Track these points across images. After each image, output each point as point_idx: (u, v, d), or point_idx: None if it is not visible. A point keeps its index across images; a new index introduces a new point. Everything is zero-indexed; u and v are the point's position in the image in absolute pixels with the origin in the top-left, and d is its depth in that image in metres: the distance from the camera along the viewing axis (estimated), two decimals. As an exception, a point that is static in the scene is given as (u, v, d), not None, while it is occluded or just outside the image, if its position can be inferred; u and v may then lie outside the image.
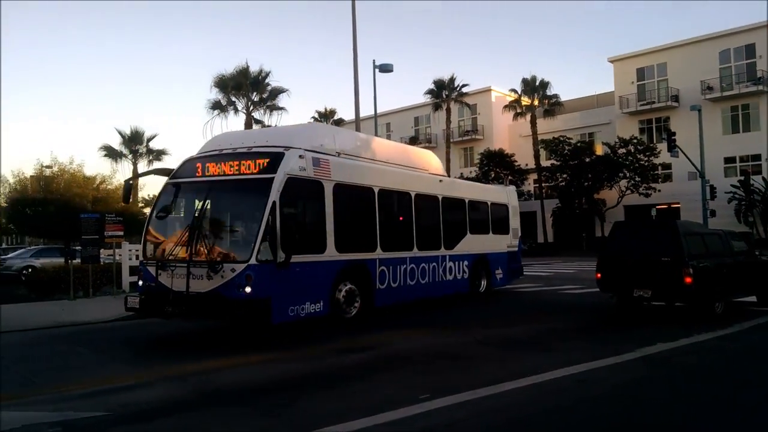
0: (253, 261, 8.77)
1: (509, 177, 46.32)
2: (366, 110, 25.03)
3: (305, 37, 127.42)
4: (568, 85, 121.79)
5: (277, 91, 42.83)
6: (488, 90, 56.61)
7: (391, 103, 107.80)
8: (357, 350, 8.68)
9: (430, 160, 15.26)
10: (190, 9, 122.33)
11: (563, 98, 49.79)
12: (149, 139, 48.01)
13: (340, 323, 10.38)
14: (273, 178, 9.16)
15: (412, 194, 13.04)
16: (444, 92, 49.85)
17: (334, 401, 5.93)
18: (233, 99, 42.64)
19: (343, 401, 5.91)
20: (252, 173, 9.45)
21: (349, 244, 10.85)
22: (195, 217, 9.42)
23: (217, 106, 41.60)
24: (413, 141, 58.05)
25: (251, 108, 43.17)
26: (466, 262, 14.85)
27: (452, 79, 49.63)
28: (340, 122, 55.87)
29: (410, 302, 12.73)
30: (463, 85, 49.86)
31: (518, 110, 49.99)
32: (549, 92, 49.38)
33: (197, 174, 10.02)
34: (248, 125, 43.29)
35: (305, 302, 9.67)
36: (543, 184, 48.98)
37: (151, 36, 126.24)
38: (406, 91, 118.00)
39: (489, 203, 16.39)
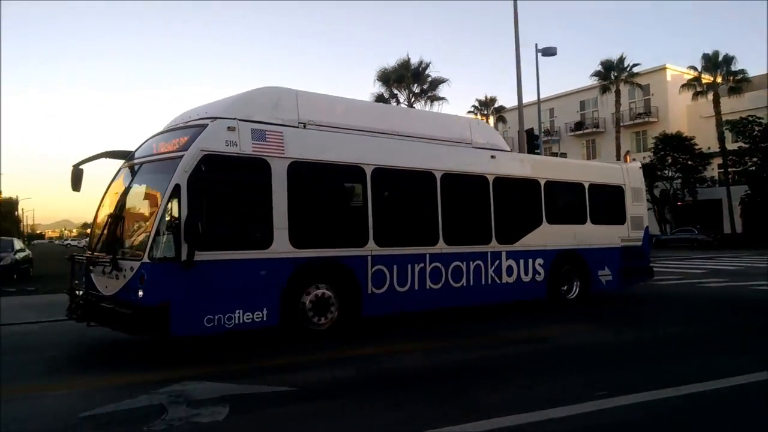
0: (145, 258, 7.24)
1: (688, 162, 42.69)
2: (528, 96, 24.31)
3: (465, 24, 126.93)
4: (756, 59, 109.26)
5: (437, 82, 43.18)
6: (663, 68, 52.59)
7: (555, 87, 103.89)
8: (523, 342, 8.50)
9: (477, 132, 11.57)
10: (352, 8, 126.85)
11: (751, 74, 44.84)
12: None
13: (308, 338, 8.31)
14: (182, 156, 7.58)
15: (437, 174, 10.04)
16: (612, 73, 47.04)
17: (509, 391, 5.87)
18: (395, 91, 43.75)
19: (517, 392, 5.82)
20: (168, 152, 8.00)
21: (317, 237, 8.69)
22: (115, 205, 8.31)
23: (379, 99, 42.78)
24: (579, 126, 55.57)
25: (412, 99, 44.01)
26: (539, 260, 11.40)
27: (621, 59, 46.71)
28: (500, 110, 54.96)
29: (434, 310, 10.07)
30: (634, 65, 46.78)
31: (698, 89, 45.87)
32: (734, 68, 44.80)
33: (138, 155, 8.77)
34: (410, 117, 44.29)
35: (235, 310, 7.69)
36: (729, 170, 44.52)
37: (320, 34, 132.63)
38: (570, 74, 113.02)
39: (586, 185, 12.53)
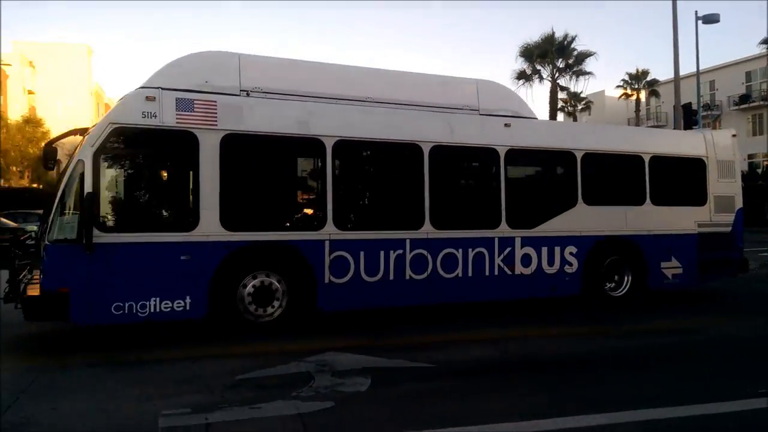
0: (46, 240, 6.83)
1: None
2: (685, 68, 22.45)
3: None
4: None
5: (583, 56, 41.24)
6: None
7: (716, 58, 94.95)
8: (669, 333, 8.02)
9: (486, 96, 9.58)
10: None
11: None
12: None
13: (255, 331, 7.47)
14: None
15: (425, 147, 8.57)
16: (787, 39, 42.12)
17: (662, 383, 5.62)
18: (538, 67, 42.37)
19: (671, 385, 5.55)
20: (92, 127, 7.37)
21: (258, 219, 7.82)
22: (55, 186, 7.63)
23: (522, 75, 41.73)
24: (744, 99, 50.55)
25: (557, 75, 42.38)
26: (571, 249, 9.48)
27: (801, 22, 41.60)
28: (653, 83, 51.25)
29: (418, 306, 8.67)
30: (816, 28, 41.41)
31: None
32: None
33: None
34: (553, 93, 42.78)
35: (150, 298, 7.04)
36: None
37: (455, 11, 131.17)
38: (734, 43, 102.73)
39: (646, 157, 10.20)
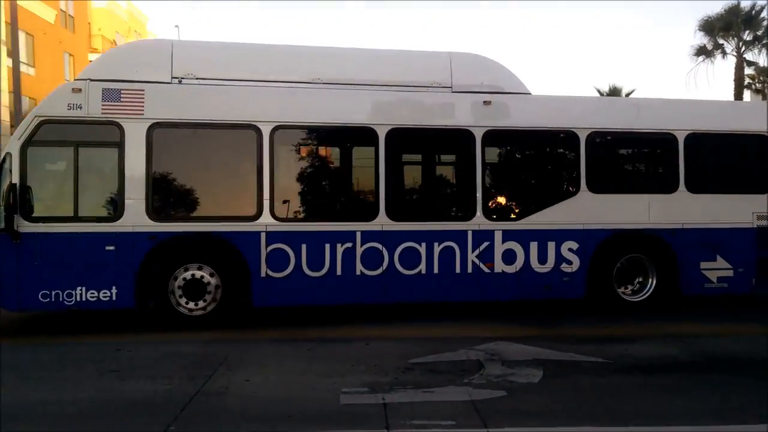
0: None
1: None
2: None
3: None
4: None
5: (775, 26, 36.77)
6: None
7: None
8: None
9: (461, 71, 8.38)
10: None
11: None
12: (628, 95, 47.55)
13: (188, 325, 7.33)
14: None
15: (380, 130, 7.86)
16: None
17: None
18: (720, 41, 38.58)
19: None
20: None
21: (187, 209, 7.65)
22: None
23: (702, 51, 38.10)
24: None
25: (743, 49, 38.29)
26: (573, 244, 8.27)
27: None
28: None
29: (375, 305, 8.04)
30: None
31: None
32: None
33: None
34: (739, 69, 38.76)
35: (76, 287, 7.13)
36: None
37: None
38: None
39: (680, 135, 8.57)
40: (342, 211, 8.11)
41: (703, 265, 8.55)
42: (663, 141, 8.63)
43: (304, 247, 7.65)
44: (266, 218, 7.56)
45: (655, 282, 8.51)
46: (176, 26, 73.29)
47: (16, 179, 7.00)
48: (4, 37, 21.80)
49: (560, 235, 8.23)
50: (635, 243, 8.45)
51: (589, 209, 8.31)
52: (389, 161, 7.86)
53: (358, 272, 7.75)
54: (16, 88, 15.32)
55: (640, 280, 8.57)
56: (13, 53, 15.69)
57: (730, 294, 8.67)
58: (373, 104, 8.00)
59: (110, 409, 4.60)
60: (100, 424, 4.32)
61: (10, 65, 17.28)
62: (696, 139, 8.60)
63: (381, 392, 4.84)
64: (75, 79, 7.60)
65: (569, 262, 8.25)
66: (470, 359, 5.87)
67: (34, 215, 7.06)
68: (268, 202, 7.55)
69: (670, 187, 8.53)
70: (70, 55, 30.27)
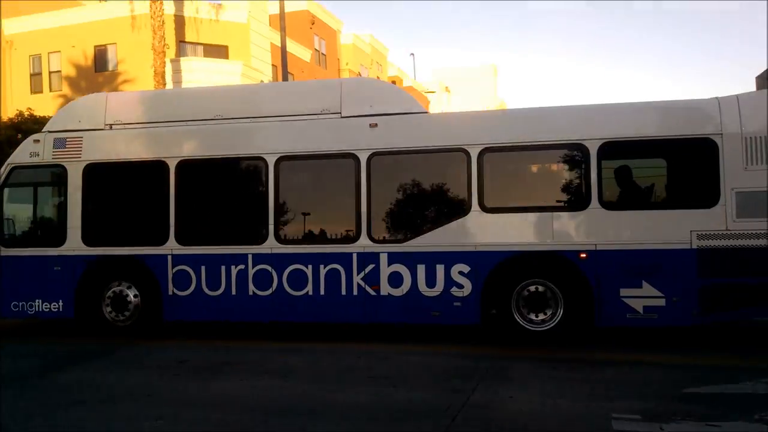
0: None
1: None
2: None
3: None
4: None
5: None
6: None
7: None
8: None
9: (352, 97, 8.44)
10: None
11: None
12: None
13: (111, 332, 8.63)
14: None
15: (269, 159, 8.31)
16: None
17: None
18: None
19: None
20: None
21: (110, 235, 8.95)
22: None
23: None
24: None
25: None
26: (463, 267, 7.67)
27: None
28: None
29: (267, 323, 8.51)
30: None
31: None
32: None
33: None
34: None
35: (35, 299, 8.91)
36: None
37: None
38: None
39: (592, 146, 7.40)
40: (235, 235, 8.72)
41: (625, 292, 7.33)
42: (570, 152, 7.74)
43: (203, 268, 8.49)
44: (171, 242, 8.58)
45: (562, 310, 7.47)
46: (411, 54, 77.91)
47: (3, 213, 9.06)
48: (270, 78, 25.25)
49: (449, 258, 7.78)
50: (537, 266, 7.62)
51: (481, 230, 7.75)
52: (276, 188, 8.33)
53: (250, 292, 8.33)
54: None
55: (538, 312, 7.61)
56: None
57: (663, 326, 7.47)
58: (263, 135, 8.60)
59: (386, 413, 5.04)
60: (380, 425, 4.78)
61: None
62: (613, 148, 7.54)
63: (657, 421, 4.59)
64: (36, 133, 9.50)
65: (460, 286, 7.73)
66: (757, 393, 5.28)
67: (7, 242, 9.03)
68: (173, 228, 8.57)
69: (579, 204, 7.57)
70: (323, 90, 33.59)
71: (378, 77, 38.45)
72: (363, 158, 8.11)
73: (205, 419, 5.01)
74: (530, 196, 8.08)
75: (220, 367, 6.77)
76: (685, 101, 7.87)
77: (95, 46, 27.00)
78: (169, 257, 8.58)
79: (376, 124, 8.17)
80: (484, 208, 7.73)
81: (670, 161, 7.92)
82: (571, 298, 7.46)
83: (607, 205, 7.47)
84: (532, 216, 7.69)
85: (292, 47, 27.93)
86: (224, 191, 9.04)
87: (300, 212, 8.58)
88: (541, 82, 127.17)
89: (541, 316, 7.57)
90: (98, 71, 27.06)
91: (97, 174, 8.84)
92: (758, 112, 7.23)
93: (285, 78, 18.30)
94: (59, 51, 27.46)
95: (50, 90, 27.79)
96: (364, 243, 8.04)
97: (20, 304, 8.96)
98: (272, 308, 8.29)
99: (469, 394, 5.43)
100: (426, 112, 8.93)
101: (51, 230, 9.21)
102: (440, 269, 7.81)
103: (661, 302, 7.27)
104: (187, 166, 8.64)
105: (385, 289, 7.94)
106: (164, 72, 22.85)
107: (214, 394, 5.77)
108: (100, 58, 27.26)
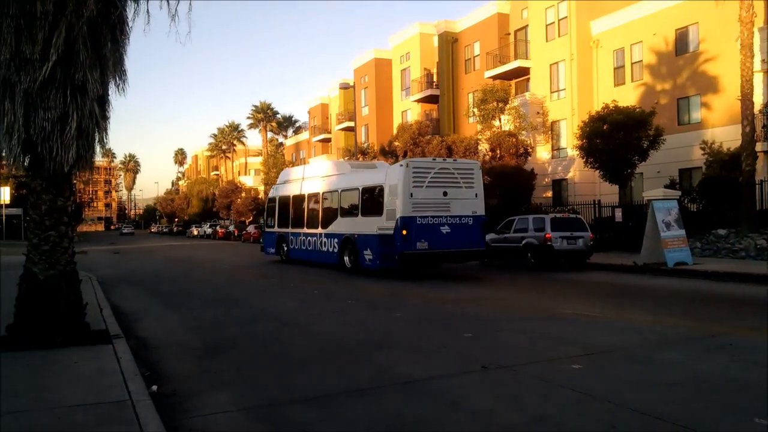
0: None
1: None
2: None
3: None
4: None
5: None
6: None
7: None
8: None
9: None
10: None
11: None
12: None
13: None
14: None
15: (327, 190, 21.71)
16: None
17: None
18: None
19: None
20: None
21: (282, 224, 24.47)
22: None
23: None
24: None
25: None
26: (335, 239, 20.28)
27: None
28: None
29: None
30: None
31: None
32: None
33: None
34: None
35: (269, 249, 25.41)
36: None
37: None
38: None
39: (360, 188, 19.73)
40: (315, 225, 21.62)
41: (364, 253, 18.29)
42: (353, 192, 19.91)
43: (299, 238, 22.75)
44: (300, 228, 22.75)
45: (353, 257, 19.27)
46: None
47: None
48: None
49: (334, 236, 20.28)
50: (348, 239, 19.55)
51: (338, 226, 20.09)
52: (322, 205, 21.77)
53: (312, 248, 21.57)
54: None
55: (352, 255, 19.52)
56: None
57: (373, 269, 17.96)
58: (332, 182, 21.23)
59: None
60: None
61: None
62: (365, 189, 19.41)
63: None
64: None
65: (334, 247, 19.98)
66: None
67: (265, 226, 26.19)
68: (302, 221, 22.67)
69: (356, 213, 19.67)
70: None
71: None
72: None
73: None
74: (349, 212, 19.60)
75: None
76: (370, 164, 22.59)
77: (676, 30, 27.81)
78: (290, 234, 23.39)
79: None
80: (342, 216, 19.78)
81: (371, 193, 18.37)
82: (353, 252, 18.60)
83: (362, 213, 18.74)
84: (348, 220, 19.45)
85: None
86: (315, 207, 21.79)
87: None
88: None
89: (348, 260, 18.99)
90: (678, 54, 27.79)
91: (279, 201, 24.43)
92: (396, 173, 17.01)
93: None
94: (641, 41, 29.37)
95: (631, 80, 29.95)
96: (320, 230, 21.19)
97: (267, 249, 25.37)
98: (314, 256, 21.37)
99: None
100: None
101: (271, 222, 25.12)
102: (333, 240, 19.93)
103: (371, 257, 17.66)
104: (310, 195, 22.13)
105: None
106: (751, 44, 20.99)
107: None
108: (681, 41, 27.85)
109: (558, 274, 17.71)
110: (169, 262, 27.97)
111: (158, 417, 4.83)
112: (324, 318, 10.67)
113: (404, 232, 15.96)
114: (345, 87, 43.30)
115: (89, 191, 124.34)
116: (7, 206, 44.41)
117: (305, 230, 21.50)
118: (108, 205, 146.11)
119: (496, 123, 32.54)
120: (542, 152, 33.66)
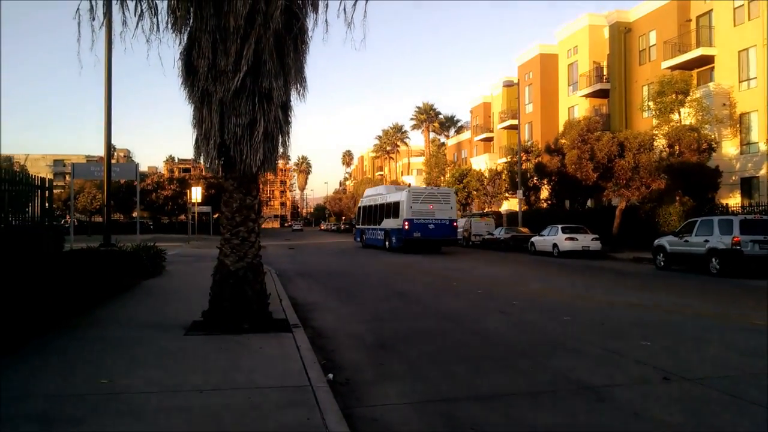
0: None
1: None
2: None
3: None
4: None
5: None
6: None
7: None
8: None
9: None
10: None
11: None
12: None
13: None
14: None
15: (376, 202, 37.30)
16: None
17: None
18: None
19: None
20: None
21: (363, 222, 39.40)
22: None
23: None
24: None
25: None
26: (381, 231, 35.16)
27: None
28: None
29: None
30: None
31: None
32: None
33: None
34: None
35: (358, 239, 40.70)
36: None
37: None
38: None
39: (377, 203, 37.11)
40: (377, 222, 36.03)
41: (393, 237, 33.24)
42: (390, 204, 35.85)
43: (369, 230, 38.17)
44: (377, 224, 36.15)
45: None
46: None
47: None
48: None
49: (378, 230, 36.22)
50: (379, 230, 36.29)
51: (382, 223, 36.03)
52: (376, 210, 37.29)
53: (377, 238, 35.95)
54: None
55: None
56: None
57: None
58: (383, 197, 36.77)
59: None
60: None
61: None
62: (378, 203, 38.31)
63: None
64: None
65: (381, 235, 35.31)
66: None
67: (357, 222, 42.28)
68: (379, 220, 36.29)
69: (381, 220, 36.80)
70: None
71: None
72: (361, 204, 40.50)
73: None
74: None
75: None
76: (400, 187, 38.12)
77: None
78: (361, 228, 39.32)
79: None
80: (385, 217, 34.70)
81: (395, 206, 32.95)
82: (389, 239, 33.40)
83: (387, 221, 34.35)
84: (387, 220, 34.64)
85: None
86: (374, 212, 36.43)
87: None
88: None
89: (387, 243, 33.65)
90: None
91: (361, 209, 39.46)
92: (404, 195, 31.81)
93: None
94: None
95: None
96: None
97: (356, 238, 41.06)
98: (372, 241, 36.26)
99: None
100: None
101: (356, 222, 42.35)
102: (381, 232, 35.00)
103: (394, 241, 32.27)
104: (373, 206, 36.74)
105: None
106: None
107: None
108: None
109: (749, 281, 16.03)
110: (335, 255, 30.17)
111: (336, 404, 5.09)
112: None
113: (407, 226, 30.06)
114: (509, 84, 42.75)
115: (267, 191, 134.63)
116: (198, 204, 49.46)
117: (370, 226, 36.17)
118: (283, 204, 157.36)
119: (675, 117, 30.21)
120: (729, 147, 30.67)
